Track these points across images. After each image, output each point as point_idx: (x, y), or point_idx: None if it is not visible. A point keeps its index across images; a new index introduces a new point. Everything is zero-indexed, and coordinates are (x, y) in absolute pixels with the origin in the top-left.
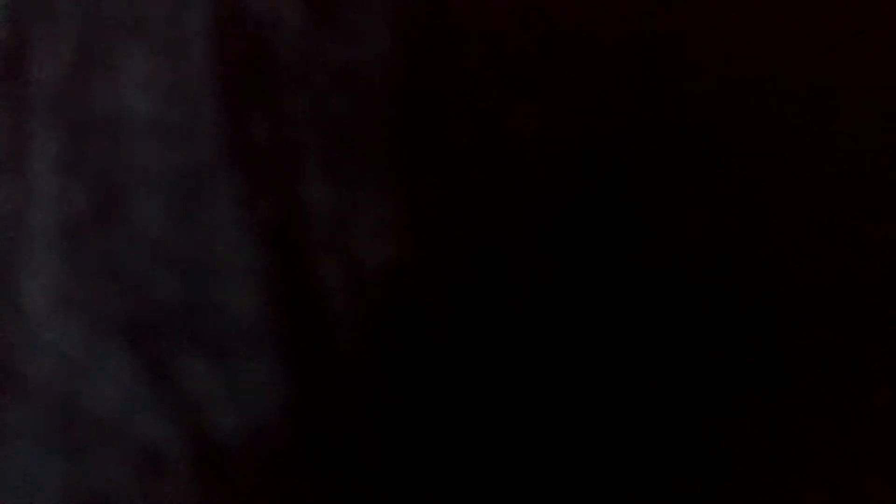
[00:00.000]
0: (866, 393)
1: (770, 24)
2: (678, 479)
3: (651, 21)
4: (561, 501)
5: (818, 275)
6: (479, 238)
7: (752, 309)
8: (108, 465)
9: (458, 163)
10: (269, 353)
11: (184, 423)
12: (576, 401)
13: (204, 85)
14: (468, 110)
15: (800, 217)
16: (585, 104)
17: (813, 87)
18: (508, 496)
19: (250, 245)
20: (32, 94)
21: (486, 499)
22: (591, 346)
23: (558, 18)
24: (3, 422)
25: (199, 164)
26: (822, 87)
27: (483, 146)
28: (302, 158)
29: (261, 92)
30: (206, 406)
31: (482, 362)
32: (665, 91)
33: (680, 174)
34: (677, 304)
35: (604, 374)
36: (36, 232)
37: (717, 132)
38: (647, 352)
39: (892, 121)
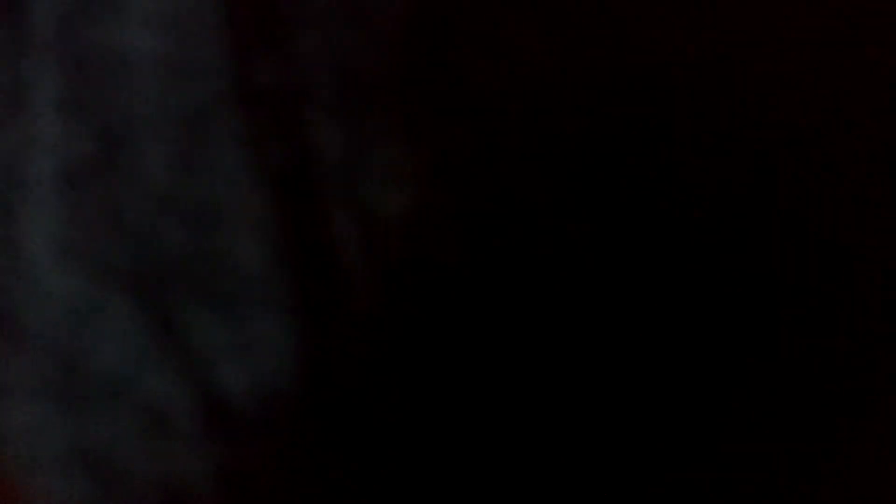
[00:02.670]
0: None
1: None
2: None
3: None
4: (569, 452)
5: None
6: (496, 184)
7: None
8: (112, 421)
9: (474, 103)
10: (278, 307)
11: (191, 380)
12: (590, 350)
13: (209, 22)
14: (484, 46)
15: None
16: (607, 36)
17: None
18: (519, 451)
19: (258, 192)
20: (33, 33)
21: (499, 455)
22: (615, 297)
23: None
24: (3, 372)
25: (204, 106)
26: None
27: (499, 84)
28: (310, 100)
29: (268, 30)
30: (213, 361)
31: (499, 315)
32: (689, 23)
33: (707, 110)
34: (705, 247)
35: (623, 324)
36: (37, 177)
37: (745, 64)
38: (674, 301)
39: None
